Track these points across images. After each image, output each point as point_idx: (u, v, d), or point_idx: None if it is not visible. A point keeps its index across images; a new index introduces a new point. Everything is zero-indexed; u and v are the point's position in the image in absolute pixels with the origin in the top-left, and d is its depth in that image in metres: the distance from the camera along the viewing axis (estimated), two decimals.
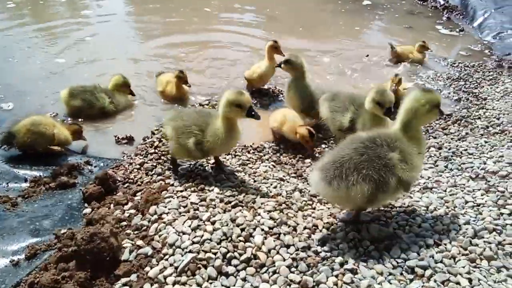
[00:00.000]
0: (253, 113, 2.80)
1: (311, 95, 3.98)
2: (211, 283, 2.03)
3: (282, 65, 4.04)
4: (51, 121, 3.67)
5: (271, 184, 3.05)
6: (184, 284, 2.02)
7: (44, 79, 5.10)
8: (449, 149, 3.55)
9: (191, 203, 2.59)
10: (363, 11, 8.48)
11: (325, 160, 2.36)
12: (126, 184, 3.20)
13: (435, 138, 3.86)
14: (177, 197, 2.73)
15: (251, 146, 3.78)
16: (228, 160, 3.47)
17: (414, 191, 2.85)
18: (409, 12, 8.45)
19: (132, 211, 2.67)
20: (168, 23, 7.28)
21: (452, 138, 3.82)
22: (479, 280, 2.07)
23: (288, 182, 3.13)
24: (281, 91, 4.90)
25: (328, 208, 2.71)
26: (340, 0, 8.86)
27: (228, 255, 2.16)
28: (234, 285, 2.03)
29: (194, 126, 2.96)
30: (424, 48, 5.78)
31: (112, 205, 2.83)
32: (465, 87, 5.19)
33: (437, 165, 3.30)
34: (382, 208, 2.67)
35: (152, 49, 6.15)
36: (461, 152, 3.47)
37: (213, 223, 2.37)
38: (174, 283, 2.02)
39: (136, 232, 2.43)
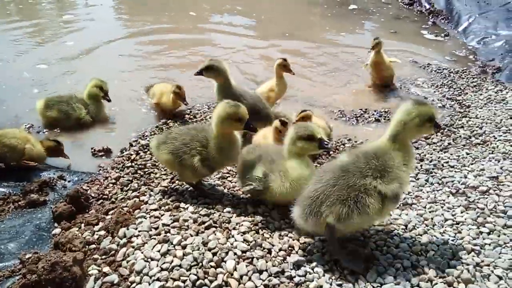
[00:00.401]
0: (251, 126, 2.72)
1: (239, 99, 3.59)
2: None
3: (204, 73, 3.77)
4: (24, 135, 3.55)
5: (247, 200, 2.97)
6: None
7: (23, 86, 4.97)
8: (431, 161, 3.52)
9: (163, 224, 2.49)
10: (349, 15, 8.47)
11: (304, 194, 2.30)
12: (100, 201, 3.09)
13: (417, 148, 3.82)
14: (149, 217, 2.63)
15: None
16: None
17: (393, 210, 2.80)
18: (395, 16, 8.46)
19: (102, 232, 2.57)
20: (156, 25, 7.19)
21: (434, 149, 3.78)
22: None
23: None
24: None
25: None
26: (326, 4, 8.83)
27: (198, 282, 2.07)
28: None
29: (196, 142, 2.79)
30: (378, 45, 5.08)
31: (82, 225, 2.73)
32: (449, 93, 5.19)
33: (418, 179, 3.25)
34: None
35: (136, 56, 6.05)
36: (443, 165, 3.44)
37: (184, 247, 2.28)
38: None
39: (103, 257, 2.33)
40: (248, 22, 7.71)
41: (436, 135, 4.05)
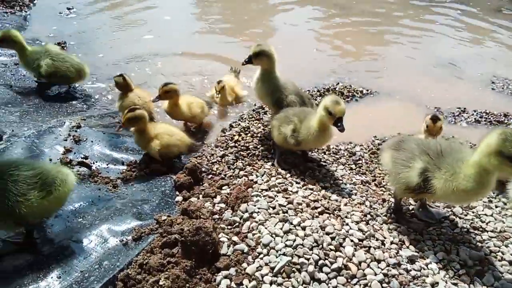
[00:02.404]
0: (338, 124, 2.89)
1: (283, 88, 3.64)
2: (305, 287, 2.16)
3: (254, 60, 3.54)
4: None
5: (351, 191, 3.09)
6: (280, 285, 2.16)
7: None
8: None
9: (280, 205, 2.71)
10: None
11: None
12: (210, 176, 3.39)
13: None
14: (264, 197, 2.86)
15: (326, 147, 3.82)
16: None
17: (507, 215, 2.77)
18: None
19: (222, 205, 2.85)
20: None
21: None
22: None
23: (368, 190, 3.15)
24: None
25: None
26: None
27: (320, 262, 2.26)
28: None
29: (294, 116, 3.23)
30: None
31: (201, 196, 3.04)
32: None
33: None
34: (472, 231, 2.63)
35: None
36: None
37: (303, 228, 2.48)
38: (271, 283, 2.17)
39: (229, 227, 2.61)
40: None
41: None
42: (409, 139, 2.68)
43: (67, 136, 3.53)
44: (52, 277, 2.24)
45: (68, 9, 6.91)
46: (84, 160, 3.28)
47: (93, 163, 3.32)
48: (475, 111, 4.59)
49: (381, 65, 5.64)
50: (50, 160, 3.25)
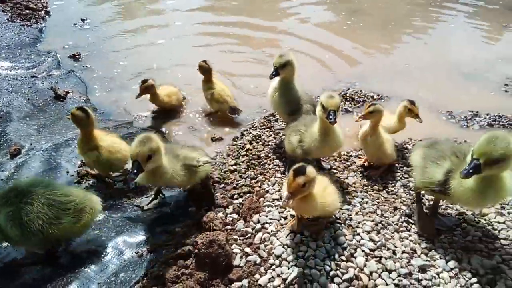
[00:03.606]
0: (330, 116, 2.72)
1: (298, 94, 3.63)
2: None
3: (281, 71, 3.48)
4: None
5: (362, 199, 3.11)
6: None
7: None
8: None
9: (291, 215, 2.75)
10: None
11: None
12: (222, 185, 3.45)
13: None
14: (275, 207, 2.91)
15: (337, 153, 3.84)
16: None
17: None
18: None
19: (235, 215, 2.90)
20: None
21: None
22: None
23: (379, 198, 3.17)
24: None
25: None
26: None
27: (332, 273, 2.30)
28: None
29: (303, 126, 3.18)
30: None
31: (213, 207, 3.10)
32: None
33: None
34: (484, 239, 2.63)
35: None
36: None
37: (314, 239, 2.51)
38: None
39: (241, 238, 2.66)
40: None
41: None
42: (443, 142, 2.74)
43: None
44: None
45: (82, 20, 7.08)
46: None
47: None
48: (487, 114, 4.54)
49: (392, 69, 5.62)
50: (67, 172, 3.36)
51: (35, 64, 5.47)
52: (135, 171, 2.33)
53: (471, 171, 2.09)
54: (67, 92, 4.79)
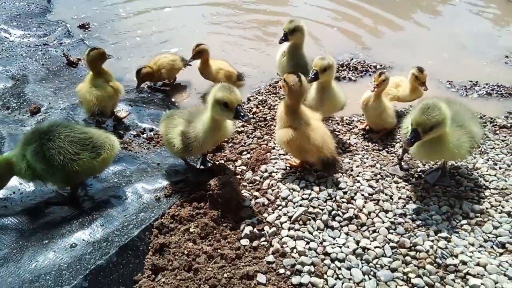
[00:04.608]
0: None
1: (307, 63, 3.67)
2: (319, 233, 2.42)
3: (290, 36, 3.56)
4: None
5: (363, 156, 3.31)
6: (297, 230, 2.42)
7: None
8: None
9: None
10: None
11: None
12: (230, 144, 3.65)
13: None
14: (281, 160, 3.11)
15: (340, 117, 4.02)
16: None
17: (510, 175, 2.95)
18: None
19: (243, 167, 3.11)
20: None
21: None
22: None
23: (379, 155, 3.37)
24: None
25: (421, 184, 2.92)
26: None
27: (333, 212, 2.52)
28: (338, 237, 2.40)
29: None
30: None
31: (223, 161, 3.31)
32: None
33: None
34: (476, 188, 2.83)
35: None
36: None
37: (318, 184, 2.72)
38: (289, 229, 2.44)
39: (250, 185, 2.87)
40: None
41: None
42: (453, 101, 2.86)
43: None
44: (96, 225, 2.55)
45: None
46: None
47: (124, 133, 3.62)
48: (486, 84, 4.69)
49: (396, 42, 5.74)
50: None
51: (46, 33, 5.61)
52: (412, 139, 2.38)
53: (412, 140, 2.37)
54: (79, 59, 4.94)
